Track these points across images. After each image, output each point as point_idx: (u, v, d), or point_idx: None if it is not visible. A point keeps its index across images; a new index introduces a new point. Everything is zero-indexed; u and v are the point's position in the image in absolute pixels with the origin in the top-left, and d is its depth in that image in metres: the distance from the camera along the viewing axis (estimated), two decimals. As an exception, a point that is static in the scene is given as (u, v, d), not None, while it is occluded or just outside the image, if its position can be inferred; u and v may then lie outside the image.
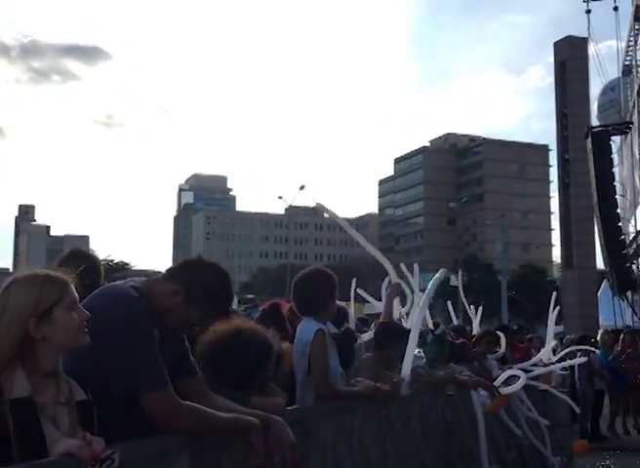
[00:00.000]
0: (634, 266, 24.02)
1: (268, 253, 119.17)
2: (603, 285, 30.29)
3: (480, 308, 8.48)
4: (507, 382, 5.78)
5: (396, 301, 4.96)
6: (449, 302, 9.15)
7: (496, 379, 5.96)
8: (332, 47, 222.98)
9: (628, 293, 23.18)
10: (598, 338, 12.35)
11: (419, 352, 3.97)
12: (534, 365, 7.76)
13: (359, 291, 6.97)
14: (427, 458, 4.27)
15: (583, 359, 9.85)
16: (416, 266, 6.04)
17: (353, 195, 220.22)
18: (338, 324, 4.17)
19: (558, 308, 9.06)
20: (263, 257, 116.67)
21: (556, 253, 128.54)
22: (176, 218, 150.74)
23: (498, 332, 7.56)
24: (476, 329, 8.16)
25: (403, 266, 6.38)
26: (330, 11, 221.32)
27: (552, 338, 9.13)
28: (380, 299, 5.75)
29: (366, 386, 3.53)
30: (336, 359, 3.65)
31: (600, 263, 30.94)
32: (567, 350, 9.76)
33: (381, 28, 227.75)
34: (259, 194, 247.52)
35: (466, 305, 9.01)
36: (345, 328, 4.09)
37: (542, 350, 8.98)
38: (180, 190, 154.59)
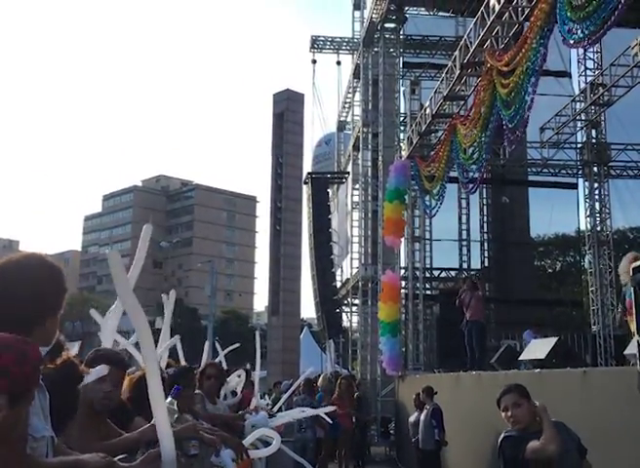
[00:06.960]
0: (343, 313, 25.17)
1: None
2: (304, 331, 31.32)
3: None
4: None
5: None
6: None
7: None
8: None
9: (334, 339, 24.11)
10: (318, 383, 12.18)
11: (170, 403, 2.79)
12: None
13: None
14: None
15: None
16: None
17: (55, 230, 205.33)
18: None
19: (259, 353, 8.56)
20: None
21: (257, 301, 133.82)
22: None
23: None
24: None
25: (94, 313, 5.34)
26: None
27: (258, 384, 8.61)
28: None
29: (97, 458, 2.12)
30: (40, 412, 2.10)
31: (304, 311, 31.75)
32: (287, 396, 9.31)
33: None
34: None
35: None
36: (65, 360, 2.70)
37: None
38: None
